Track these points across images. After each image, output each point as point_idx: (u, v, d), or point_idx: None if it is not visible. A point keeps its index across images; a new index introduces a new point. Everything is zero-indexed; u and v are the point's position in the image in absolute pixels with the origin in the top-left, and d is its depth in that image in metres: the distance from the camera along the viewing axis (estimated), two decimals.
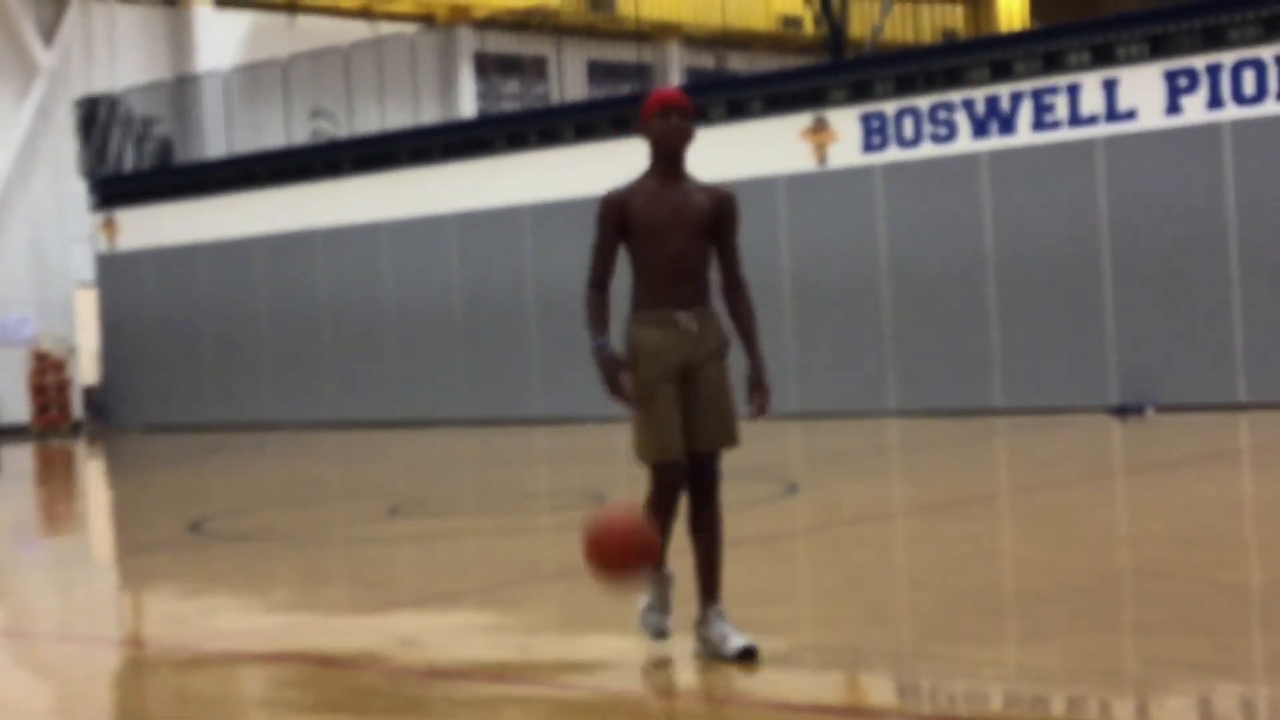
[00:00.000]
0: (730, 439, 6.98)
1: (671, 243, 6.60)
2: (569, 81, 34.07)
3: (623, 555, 6.33)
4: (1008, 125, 20.16)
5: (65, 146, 30.59)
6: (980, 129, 20.34)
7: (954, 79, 20.60)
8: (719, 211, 6.70)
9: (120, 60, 31.79)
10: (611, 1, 35.70)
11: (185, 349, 27.64)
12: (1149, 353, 19.46)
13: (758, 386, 7.00)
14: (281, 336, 26.61)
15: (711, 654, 6.60)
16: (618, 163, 23.24)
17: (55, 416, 29.65)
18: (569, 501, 13.67)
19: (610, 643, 7.41)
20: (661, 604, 6.86)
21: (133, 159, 29.68)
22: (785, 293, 21.68)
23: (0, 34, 30.73)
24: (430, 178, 25.23)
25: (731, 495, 13.59)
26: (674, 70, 36.75)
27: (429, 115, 30.23)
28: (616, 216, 6.71)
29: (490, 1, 34.71)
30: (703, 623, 6.71)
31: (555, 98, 33.23)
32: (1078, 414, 19.46)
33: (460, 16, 34.69)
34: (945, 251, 20.54)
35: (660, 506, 6.81)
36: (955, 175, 20.48)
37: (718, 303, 6.80)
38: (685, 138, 6.68)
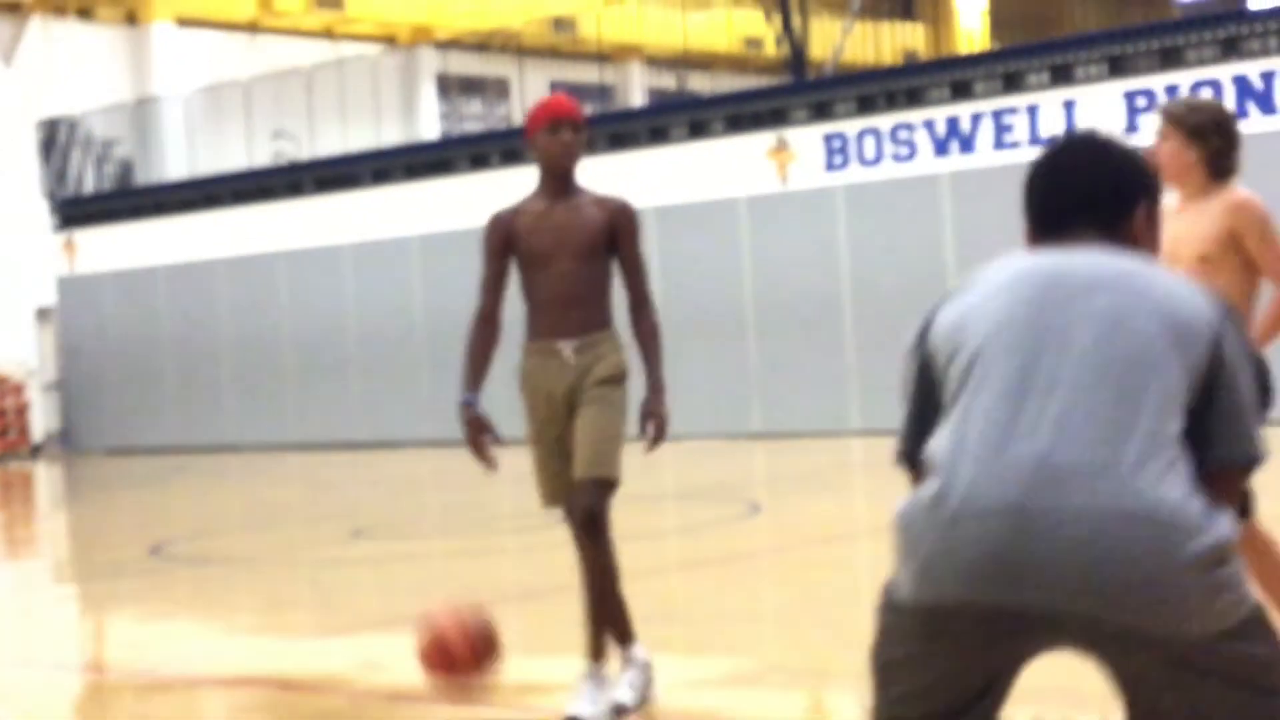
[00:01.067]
0: (596, 467, 6.22)
1: (556, 266, 6.13)
2: (531, 101, 34.07)
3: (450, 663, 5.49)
4: (968, 145, 20.24)
5: (27, 167, 30.41)
6: (941, 148, 20.43)
7: (915, 99, 20.67)
8: (613, 225, 6.14)
9: (80, 80, 31.64)
10: (573, 23, 35.74)
11: (146, 370, 27.50)
12: None
13: (650, 415, 6.37)
14: (243, 358, 26.52)
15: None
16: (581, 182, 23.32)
17: (14, 440, 29.46)
18: (532, 523, 13.63)
19: (573, 664, 7.40)
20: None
21: (94, 180, 29.56)
22: (748, 312, 21.71)
23: None
24: (393, 199, 25.18)
25: (693, 515, 13.63)
26: (636, 90, 36.81)
27: (391, 136, 30.19)
28: (501, 240, 6.25)
29: (452, 22, 34.70)
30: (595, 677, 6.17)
31: (518, 118, 33.23)
32: None
33: (422, 37, 34.67)
34: (907, 271, 20.59)
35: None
36: (917, 195, 20.54)
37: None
38: (575, 154, 6.11)
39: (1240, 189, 5.48)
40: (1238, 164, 5.50)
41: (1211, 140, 5.39)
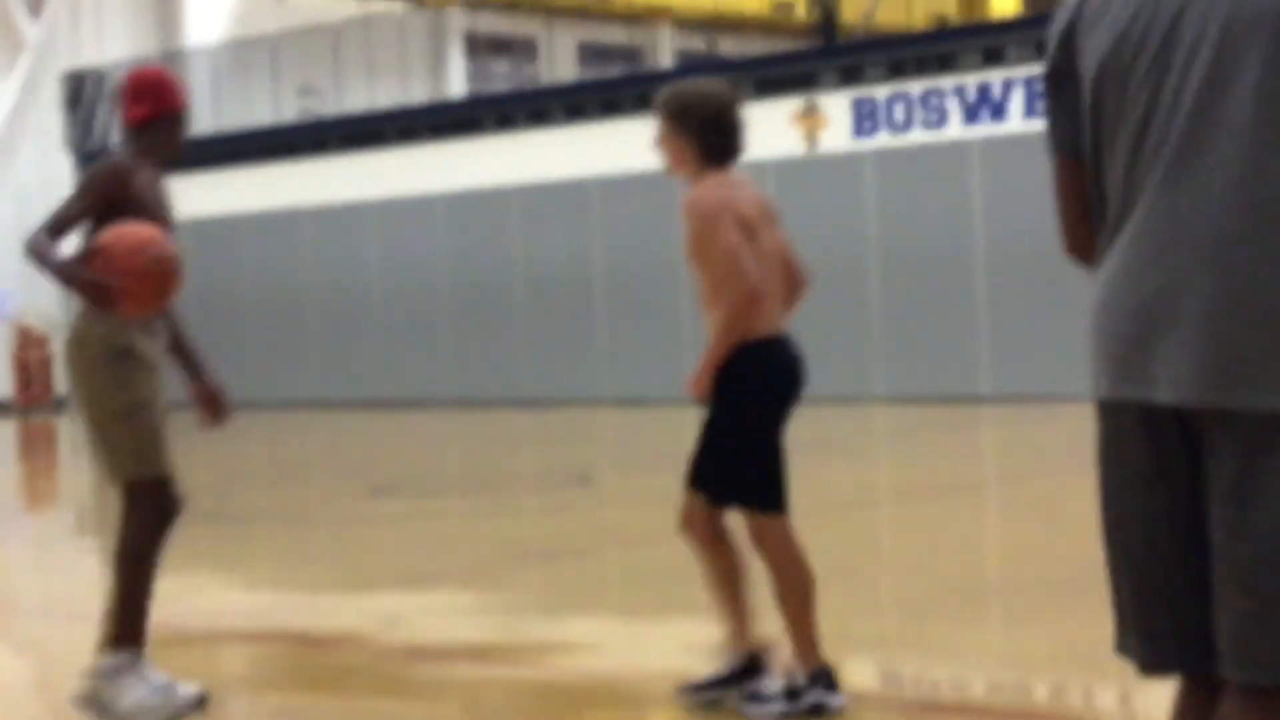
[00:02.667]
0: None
1: None
2: (559, 63, 33.99)
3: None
4: (999, 112, 20.11)
5: (52, 120, 30.44)
6: (972, 115, 20.30)
7: (946, 65, 20.55)
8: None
9: (107, 34, 31.64)
10: None
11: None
12: None
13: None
14: (266, 315, 26.53)
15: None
16: (607, 144, 23.25)
17: (38, 392, 29.55)
18: (553, 483, 13.64)
19: (593, 624, 7.38)
20: None
21: (119, 134, 29.56)
22: None
23: None
24: (418, 157, 25.13)
25: None
26: (665, 52, 36.66)
27: (418, 95, 30.13)
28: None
29: None
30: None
31: (545, 79, 33.14)
32: (1066, 402, 19.42)
33: None
34: (935, 238, 20.50)
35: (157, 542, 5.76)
36: (946, 161, 20.43)
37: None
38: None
39: (703, 183, 5.23)
40: (735, 148, 5.32)
41: (688, 125, 5.22)
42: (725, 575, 5.42)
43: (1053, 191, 2.97)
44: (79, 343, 5.66)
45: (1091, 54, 2.84)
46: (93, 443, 5.71)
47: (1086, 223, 2.94)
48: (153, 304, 5.57)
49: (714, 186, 5.19)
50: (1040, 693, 5.85)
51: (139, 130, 5.92)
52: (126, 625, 5.75)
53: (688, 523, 5.48)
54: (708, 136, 5.22)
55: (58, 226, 5.59)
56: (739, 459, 5.27)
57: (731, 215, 5.13)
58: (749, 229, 5.19)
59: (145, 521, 5.76)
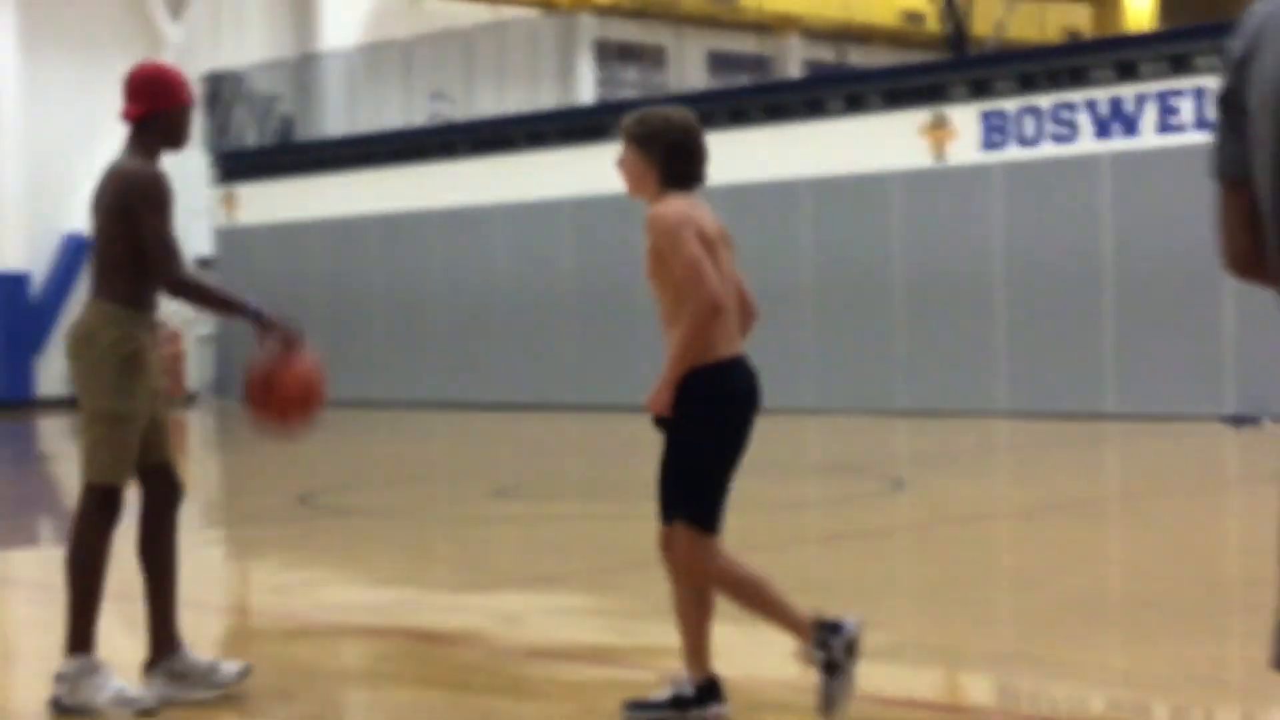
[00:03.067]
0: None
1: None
2: (688, 71, 34.05)
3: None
4: (1131, 127, 19.89)
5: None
6: (1103, 130, 20.09)
7: (1078, 79, 20.36)
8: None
9: (245, 37, 32.16)
10: None
11: (298, 322, 27.92)
12: (1268, 362, 19.14)
13: None
14: (393, 316, 26.81)
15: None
16: (733, 153, 23.26)
17: (169, 388, 30.03)
18: None
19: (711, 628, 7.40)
20: None
21: (255, 135, 30.03)
22: (897, 288, 21.54)
23: (129, 8, 31.18)
24: (546, 162, 25.30)
25: (836, 489, 13.57)
26: (793, 62, 36.61)
27: (547, 100, 30.34)
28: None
29: None
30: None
31: (673, 86, 33.22)
32: (1192, 422, 19.18)
33: (582, 3, 34.76)
34: (1063, 253, 20.31)
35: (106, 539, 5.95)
36: (1076, 176, 20.24)
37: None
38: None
39: (666, 201, 5.32)
40: (696, 174, 5.44)
41: (653, 149, 5.35)
42: (694, 602, 5.54)
43: (1215, 210, 3.02)
44: (87, 339, 5.73)
45: (1259, 79, 2.89)
46: (81, 434, 5.79)
47: (1247, 239, 2.98)
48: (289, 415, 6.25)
49: (675, 205, 5.31)
50: (1160, 713, 5.79)
51: (138, 126, 6.06)
52: (79, 632, 5.86)
53: (667, 546, 5.55)
54: (671, 162, 5.38)
55: (173, 251, 5.86)
56: (690, 476, 5.38)
57: (694, 228, 5.23)
58: (709, 246, 5.26)
59: (96, 526, 5.87)
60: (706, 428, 5.33)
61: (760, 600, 5.41)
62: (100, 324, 5.72)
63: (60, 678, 5.80)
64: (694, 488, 5.37)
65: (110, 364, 5.70)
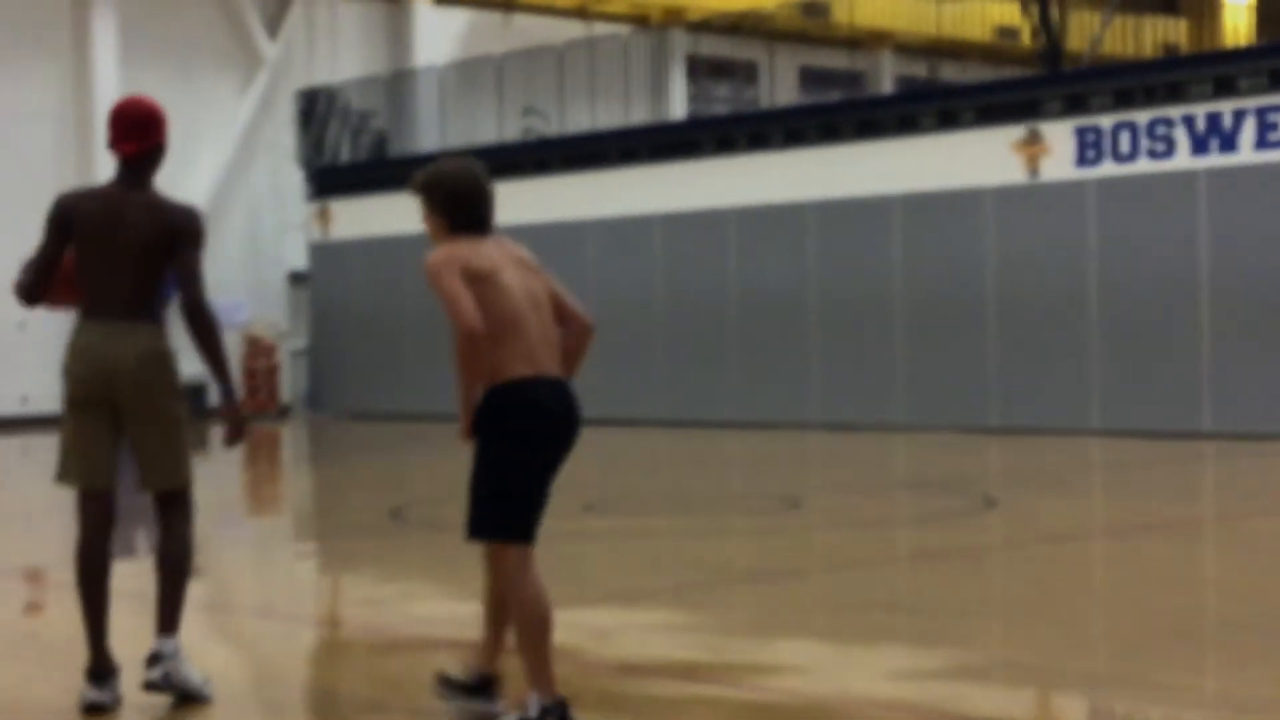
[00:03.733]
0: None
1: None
2: (780, 86, 34.01)
3: None
4: (1229, 143, 19.66)
5: (285, 137, 31.32)
6: (1200, 146, 19.88)
7: (1174, 94, 20.16)
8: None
9: (340, 54, 32.47)
10: (825, 7, 35.56)
11: (390, 338, 28.11)
12: None
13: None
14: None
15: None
16: (825, 170, 23.23)
17: (264, 400, 30.36)
18: (762, 505, 13.66)
19: (801, 646, 7.40)
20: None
21: (349, 150, 30.30)
22: (989, 305, 21.40)
23: (227, 26, 31.58)
24: (638, 178, 25.35)
25: (926, 507, 13.51)
26: (885, 78, 36.49)
27: (639, 116, 30.40)
28: None
29: (704, 4, 34.76)
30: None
31: (765, 102, 33.20)
32: None
33: (674, 19, 34.82)
34: (1159, 270, 20.10)
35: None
36: (1172, 193, 20.03)
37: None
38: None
39: (437, 249, 5.68)
40: (477, 218, 5.84)
41: (435, 198, 5.80)
42: (498, 598, 5.92)
43: None
44: (159, 357, 6.15)
45: None
46: (154, 447, 6.15)
47: None
48: None
49: (443, 248, 5.67)
50: None
51: (139, 160, 6.35)
52: (178, 617, 6.28)
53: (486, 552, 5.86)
54: (453, 210, 5.78)
55: (203, 280, 6.32)
56: (487, 489, 5.63)
57: (455, 267, 5.56)
58: (481, 279, 5.58)
59: (192, 519, 6.37)
60: (499, 443, 5.60)
61: (531, 640, 5.72)
62: (162, 343, 6.17)
63: (159, 657, 6.12)
64: (493, 499, 5.64)
65: (176, 378, 6.21)
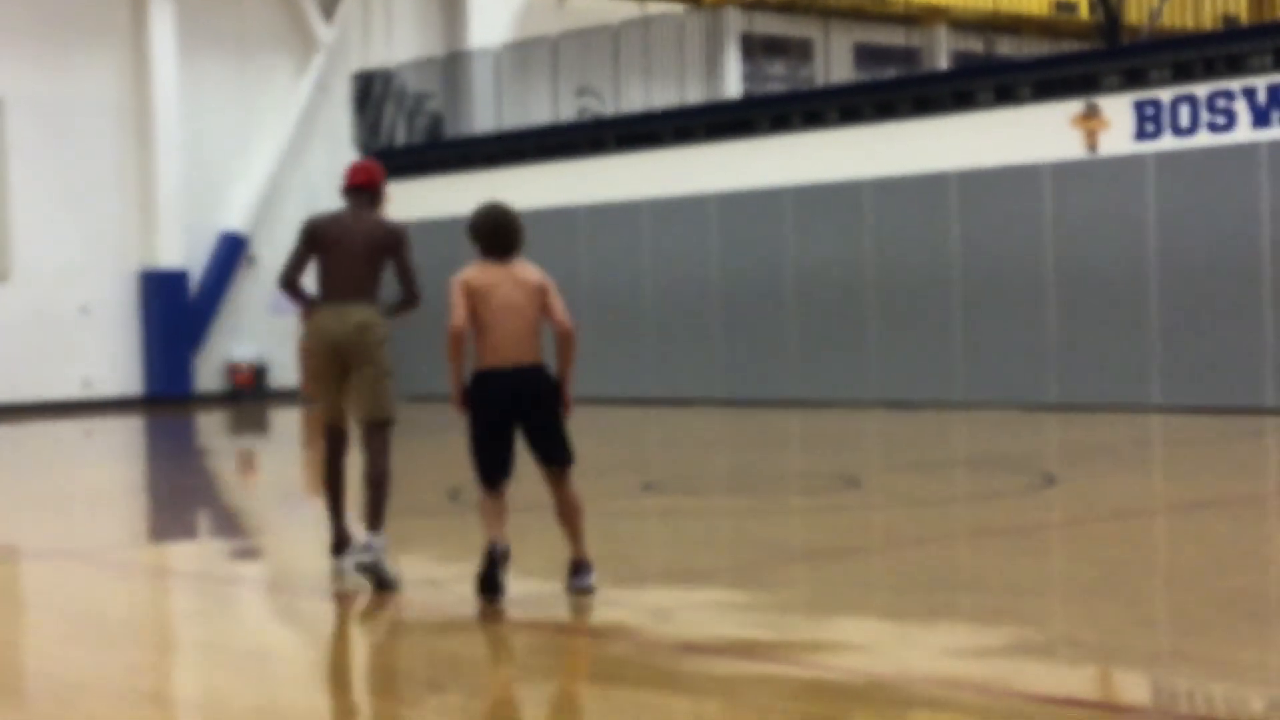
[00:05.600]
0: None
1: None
2: (835, 64, 33.87)
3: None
4: None
5: (341, 119, 31.44)
6: (1261, 118, 19.67)
7: (1234, 66, 19.96)
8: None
9: (396, 36, 32.54)
10: None
11: (448, 318, 28.17)
12: None
13: None
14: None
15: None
16: (881, 147, 23.12)
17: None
18: (821, 484, 13.63)
19: (860, 624, 7.38)
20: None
21: (405, 133, 30.37)
22: (1049, 281, 21.27)
23: (284, 10, 31.70)
24: (693, 157, 25.32)
25: (985, 484, 13.45)
26: (941, 54, 36.28)
27: (694, 95, 30.34)
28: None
29: None
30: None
31: (820, 80, 33.08)
32: None
33: None
34: (1219, 244, 19.93)
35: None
36: (1233, 166, 19.84)
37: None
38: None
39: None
40: (495, 248, 8.12)
41: (469, 232, 8.19)
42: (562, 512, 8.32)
43: None
44: (374, 325, 8.81)
45: None
46: (369, 391, 8.78)
47: None
48: None
49: (464, 270, 8.00)
50: None
51: (372, 192, 9.32)
52: (382, 516, 8.62)
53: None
54: (476, 241, 8.06)
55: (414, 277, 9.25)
56: (471, 449, 8.03)
57: (460, 285, 7.93)
58: (477, 294, 7.89)
59: (389, 446, 8.90)
60: (471, 416, 8.00)
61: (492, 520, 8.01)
62: (377, 317, 8.84)
63: (368, 547, 8.39)
64: (472, 456, 8.02)
65: (385, 341, 8.87)
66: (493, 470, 7.94)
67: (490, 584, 7.84)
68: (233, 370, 30.64)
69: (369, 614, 8.18)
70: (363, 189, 9.11)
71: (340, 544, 9.00)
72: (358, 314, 8.73)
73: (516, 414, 7.92)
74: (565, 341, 8.01)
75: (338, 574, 8.85)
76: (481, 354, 7.91)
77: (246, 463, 19.00)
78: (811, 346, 23.57)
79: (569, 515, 8.13)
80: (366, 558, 8.37)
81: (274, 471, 17.87)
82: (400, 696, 6.35)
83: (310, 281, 9.09)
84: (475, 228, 8.05)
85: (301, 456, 19.77)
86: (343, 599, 8.55)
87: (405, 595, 8.37)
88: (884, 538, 10.46)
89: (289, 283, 8.96)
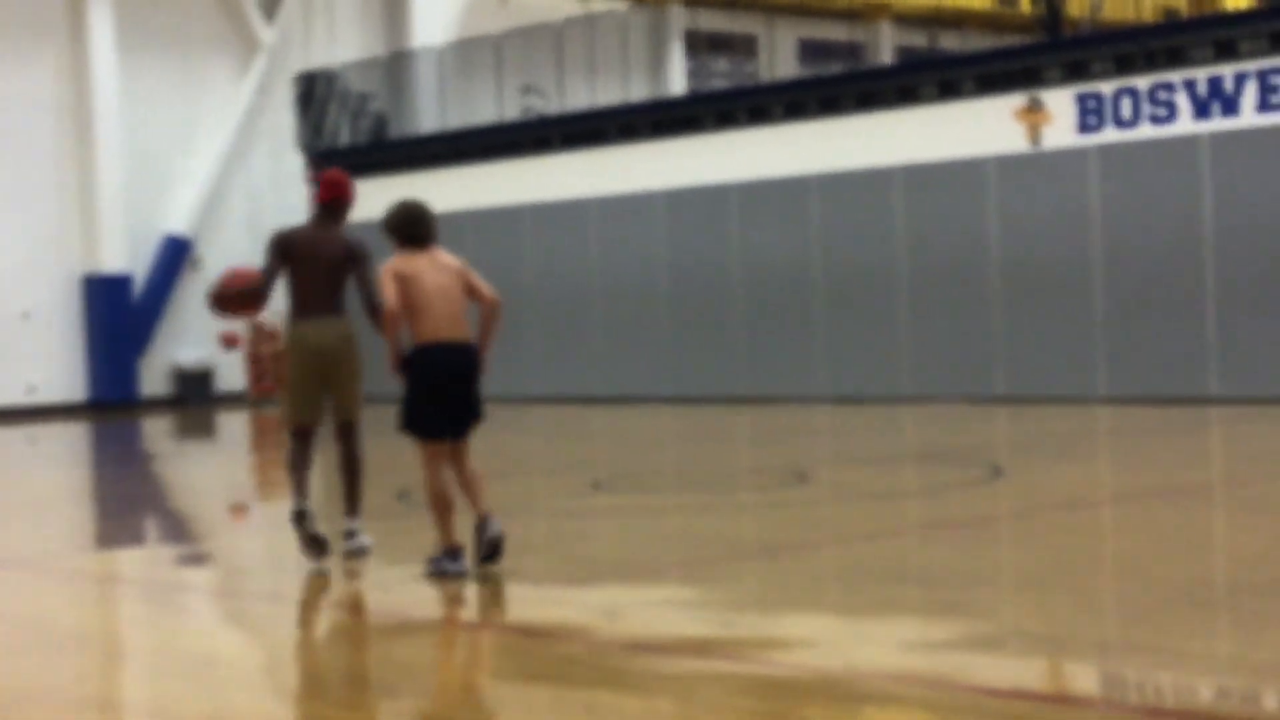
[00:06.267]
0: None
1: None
2: (779, 60, 33.96)
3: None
4: (1231, 106, 19.61)
5: (284, 120, 31.29)
6: (1202, 110, 19.83)
7: (1175, 58, 20.10)
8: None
9: (338, 36, 32.42)
10: None
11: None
12: None
13: None
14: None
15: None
16: (826, 142, 23.18)
17: (270, 385, 30.40)
18: (770, 480, 13.65)
19: (811, 620, 7.39)
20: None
21: (348, 133, 30.26)
22: (993, 275, 21.37)
23: (225, 10, 31.53)
24: (639, 155, 25.32)
25: (934, 477, 13.50)
26: (885, 49, 36.42)
27: (639, 92, 30.36)
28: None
29: None
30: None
31: (765, 76, 33.14)
32: None
33: None
34: (1162, 235, 20.07)
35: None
36: (1175, 157, 19.99)
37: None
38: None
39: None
40: (412, 238, 8.92)
41: (386, 226, 8.94)
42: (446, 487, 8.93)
43: None
44: (352, 337, 9.57)
45: None
46: (349, 395, 9.60)
47: None
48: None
49: (390, 261, 8.77)
50: (1270, 701, 5.71)
51: (327, 208, 9.80)
52: (361, 500, 9.74)
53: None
54: (393, 234, 8.87)
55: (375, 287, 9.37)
56: (404, 409, 8.84)
57: (390, 273, 8.70)
58: (406, 279, 8.68)
59: (361, 441, 9.71)
60: (409, 380, 8.79)
61: (435, 509, 8.84)
62: (352, 328, 9.53)
63: (353, 533, 9.70)
64: (405, 411, 8.84)
65: (358, 349, 9.61)
66: (431, 422, 8.78)
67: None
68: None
69: (321, 618, 8.14)
70: (337, 204, 9.67)
71: (303, 515, 9.41)
72: (340, 326, 9.47)
73: (452, 384, 8.79)
74: (494, 311, 8.85)
75: (306, 546, 9.36)
76: (420, 333, 8.67)
77: (238, 508, 18.87)
78: (759, 342, 23.61)
79: (471, 483, 8.88)
80: (353, 544, 9.56)
81: (221, 476, 17.76)
82: (352, 701, 6.32)
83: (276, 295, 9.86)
84: (393, 222, 8.85)
85: (250, 461, 19.66)
86: (306, 601, 8.49)
87: (358, 596, 8.32)
88: (834, 532, 10.49)
89: (264, 295, 9.61)
